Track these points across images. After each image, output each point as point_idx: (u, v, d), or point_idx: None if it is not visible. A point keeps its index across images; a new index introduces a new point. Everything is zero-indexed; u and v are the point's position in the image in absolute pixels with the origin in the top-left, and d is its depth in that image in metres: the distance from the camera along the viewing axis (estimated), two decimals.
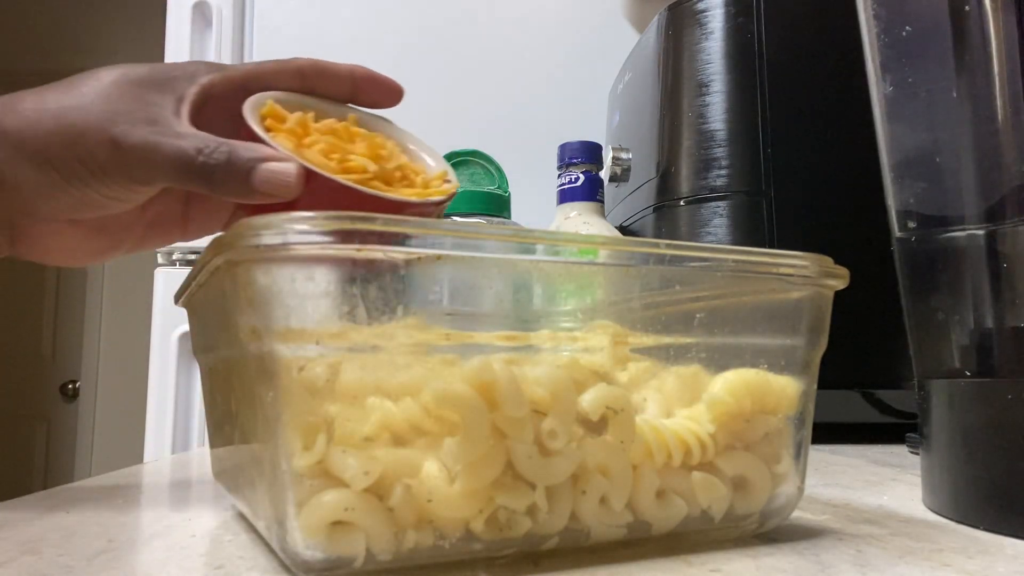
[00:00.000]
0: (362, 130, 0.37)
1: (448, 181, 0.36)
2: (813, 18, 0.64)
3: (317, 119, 0.36)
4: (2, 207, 0.34)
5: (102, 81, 0.33)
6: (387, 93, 0.39)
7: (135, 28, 2.67)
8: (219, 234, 0.22)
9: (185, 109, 0.34)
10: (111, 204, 0.35)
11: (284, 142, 0.33)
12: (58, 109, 0.32)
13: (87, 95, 0.33)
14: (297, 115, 0.35)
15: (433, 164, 0.38)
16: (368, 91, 0.38)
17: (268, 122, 0.34)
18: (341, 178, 0.32)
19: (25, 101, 0.33)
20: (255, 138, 0.32)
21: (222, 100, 0.35)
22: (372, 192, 0.32)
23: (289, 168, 0.31)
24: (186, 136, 0.32)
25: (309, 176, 0.31)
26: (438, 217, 0.36)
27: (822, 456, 0.51)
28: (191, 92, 0.34)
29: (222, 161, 0.31)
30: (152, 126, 0.32)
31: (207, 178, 0.32)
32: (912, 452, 0.52)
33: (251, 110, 0.34)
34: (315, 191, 0.32)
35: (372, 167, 0.33)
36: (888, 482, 0.40)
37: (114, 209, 0.35)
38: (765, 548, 0.26)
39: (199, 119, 0.34)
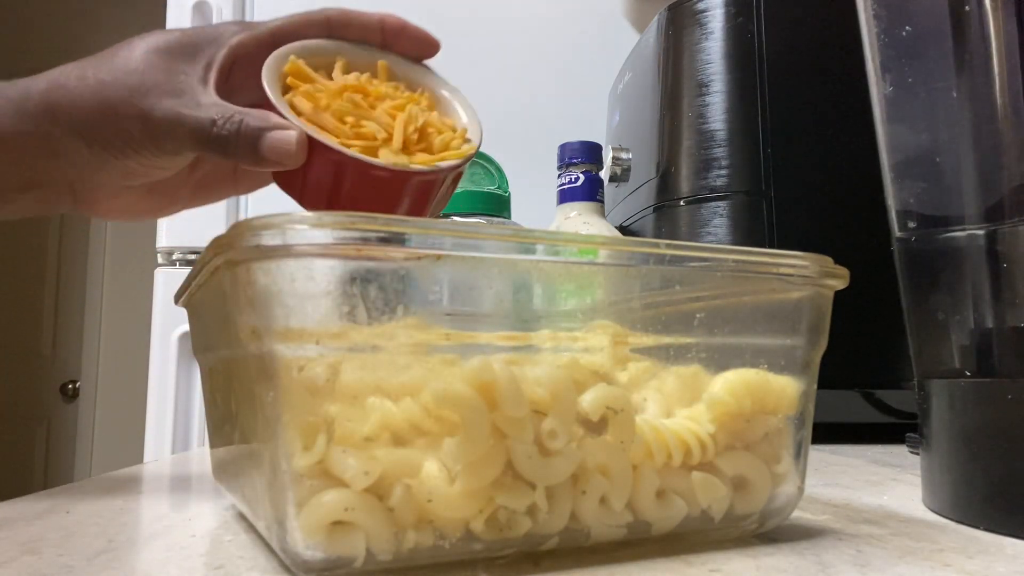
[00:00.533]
0: (389, 85, 0.36)
1: (468, 140, 0.36)
2: (813, 18, 0.64)
3: (347, 70, 0.36)
4: (61, 175, 0.36)
5: (134, 52, 0.35)
6: (420, 44, 0.39)
7: (135, 28, 2.67)
8: (219, 234, 0.22)
9: (212, 76, 0.35)
10: (153, 172, 0.37)
11: (303, 102, 0.33)
12: (96, 84, 0.34)
13: (120, 68, 0.34)
14: (316, 83, 0.35)
15: (465, 117, 0.37)
16: (399, 42, 0.38)
17: (290, 80, 0.35)
18: (346, 150, 0.32)
19: (71, 76, 0.35)
20: (269, 103, 0.33)
21: (252, 59, 0.36)
22: (374, 162, 0.32)
23: (290, 136, 0.32)
24: (206, 107, 0.34)
25: (313, 144, 0.32)
26: (455, 179, 0.36)
27: (822, 456, 0.51)
28: (219, 56, 0.35)
29: (233, 131, 0.33)
30: (177, 98, 0.34)
31: (222, 147, 0.33)
32: (912, 452, 0.52)
33: (270, 71, 0.34)
34: (319, 160, 0.32)
35: (382, 134, 0.33)
36: (888, 482, 0.40)
37: (158, 176, 0.37)
38: (765, 548, 0.26)
39: (230, 82, 0.36)
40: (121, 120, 0.34)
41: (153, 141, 0.34)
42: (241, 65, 0.36)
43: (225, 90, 0.36)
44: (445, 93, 0.38)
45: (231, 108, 0.34)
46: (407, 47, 0.38)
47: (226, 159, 0.34)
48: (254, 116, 0.33)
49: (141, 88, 0.34)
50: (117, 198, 0.39)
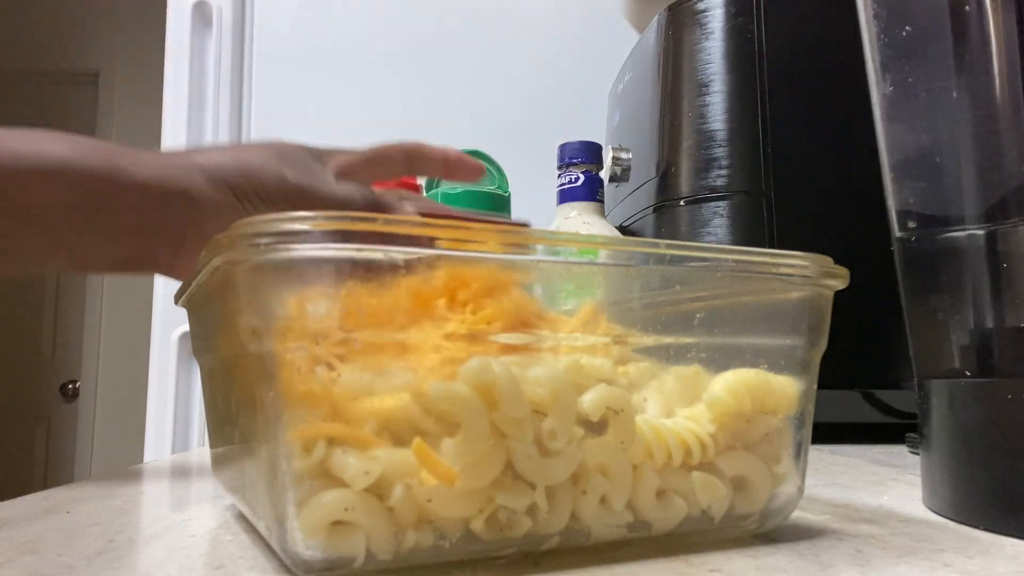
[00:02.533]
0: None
1: None
2: (813, 18, 0.64)
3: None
4: (184, 220, 0.41)
5: (264, 144, 0.43)
6: (471, 172, 0.49)
7: (135, 28, 2.67)
8: (219, 235, 0.22)
9: (330, 172, 0.44)
10: None
11: None
12: (237, 154, 0.42)
13: (256, 149, 0.43)
14: None
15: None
16: (457, 171, 0.48)
17: None
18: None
19: (207, 152, 0.42)
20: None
21: (352, 175, 0.45)
22: None
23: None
24: (335, 185, 0.43)
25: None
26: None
27: (822, 456, 0.51)
28: (331, 164, 0.45)
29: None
30: (311, 176, 0.43)
31: None
32: (912, 452, 0.52)
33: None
34: None
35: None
36: (888, 482, 0.40)
37: None
38: (765, 548, 0.26)
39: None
40: (262, 177, 0.41)
41: (287, 198, 0.41)
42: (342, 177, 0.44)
43: None
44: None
45: (360, 195, 0.42)
46: (462, 173, 0.49)
47: None
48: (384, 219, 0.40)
49: (281, 159, 0.42)
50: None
